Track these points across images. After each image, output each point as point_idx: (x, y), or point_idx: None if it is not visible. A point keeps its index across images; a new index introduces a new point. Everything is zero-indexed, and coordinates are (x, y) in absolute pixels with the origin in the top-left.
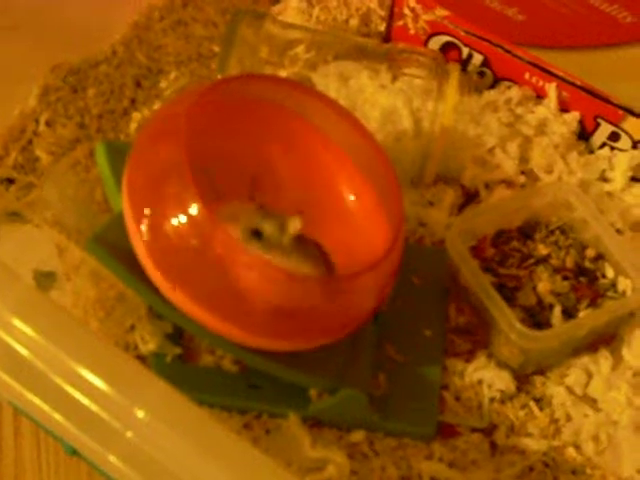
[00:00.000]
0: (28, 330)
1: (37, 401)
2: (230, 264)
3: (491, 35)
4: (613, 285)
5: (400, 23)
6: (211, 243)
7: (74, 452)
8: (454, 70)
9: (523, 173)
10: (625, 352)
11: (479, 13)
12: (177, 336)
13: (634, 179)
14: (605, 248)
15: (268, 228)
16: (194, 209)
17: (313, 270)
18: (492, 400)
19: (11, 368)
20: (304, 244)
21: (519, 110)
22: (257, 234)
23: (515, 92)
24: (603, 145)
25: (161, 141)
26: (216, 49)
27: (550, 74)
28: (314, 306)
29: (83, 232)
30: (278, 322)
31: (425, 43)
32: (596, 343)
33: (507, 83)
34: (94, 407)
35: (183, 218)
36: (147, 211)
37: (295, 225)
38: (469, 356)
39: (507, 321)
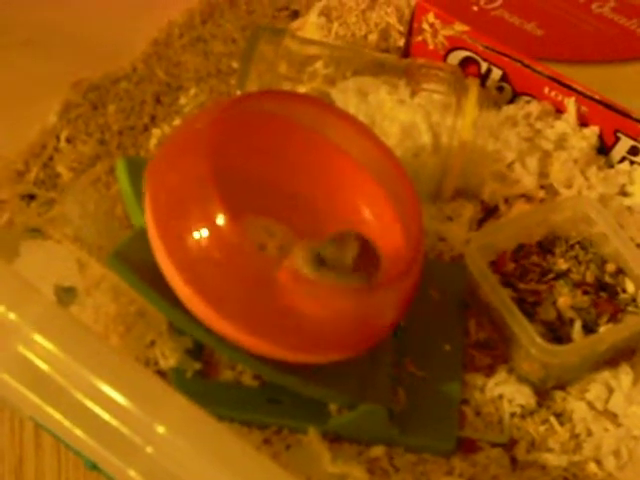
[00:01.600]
0: (49, 345)
1: (58, 416)
2: (255, 277)
3: (510, 50)
4: (633, 300)
5: (419, 38)
6: (237, 256)
7: (94, 467)
8: (473, 85)
9: (542, 188)
10: None
11: (498, 28)
12: (197, 351)
13: None
14: (625, 263)
15: (330, 253)
16: (220, 221)
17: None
18: (513, 415)
19: (32, 383)
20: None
21: (538, 125)
22: (321, 261)
23: (534, 107)
24: (623, 159)
25: (182, 156)
26: (235, 65)
27: (569, 88)
28: (335, 319)
29: (104, 248)
30: (300, 334)
31: (444, 58)
32: (617, 358)
33: (526, 98)
34: (114, 422)
35: (209, 231)
36: (172, 226)
37: (354, 247)
38: (489, 371)
39: (527, 336)
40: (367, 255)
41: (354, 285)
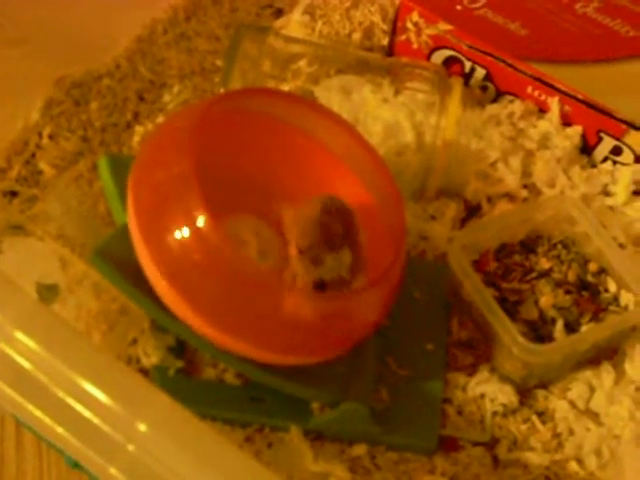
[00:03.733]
0: (30, 343)
1: (39, 414)
2: (236, 277)
3: (494, 49)
4: (615, 299)
5: (403, 37)
6: (218, 256)
7: (76, 465)
8: (457, 84)
9: (525, 187)
10: (627, 366)
11: (482, 27)
12: (179, 349)
13: (636, 193)
14: (607, 262)
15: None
16: (201, 221)
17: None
18: (494, 414)
19: (13, 381)
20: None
21: (521, 124)
22: (322, 285)
23: (517, 106)
24: (605, 159)
25: (165, 154)
26: (219, 63)
27: (552, 88)
28: (316, 320)
29: (86, 245)
30: (281, 336)
31: (428, 57)
32: (598, 357)
33: (509, 97)
34: (96, 420)
35: (190, 230)
36: (154, 224)
37: (346, 259)
38: (471, 370)
39: (509, 335)
40: (351, 230)
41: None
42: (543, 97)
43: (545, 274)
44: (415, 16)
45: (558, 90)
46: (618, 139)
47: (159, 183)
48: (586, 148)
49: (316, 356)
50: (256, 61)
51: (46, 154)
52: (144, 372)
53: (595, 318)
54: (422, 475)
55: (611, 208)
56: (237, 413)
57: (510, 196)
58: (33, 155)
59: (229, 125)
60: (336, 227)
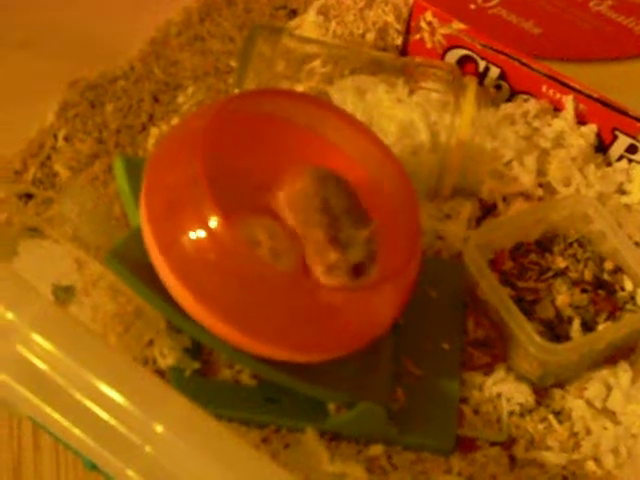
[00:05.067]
0: (47, 345)
1: (56, 416)
2: (250, 277)
3: (508, 48)
4: (632, 298)
5: (417, 37)
6: (232, 255)
7: (93, 466)
8: (471, 83)
9: (541, 186)
10: None
11: (496, 26)
12: (196, 350)
13: None
14: (623, 261)
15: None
16: (214, 221)
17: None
18: (511, 413)
19: (30, 383)
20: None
21: (536, 123)
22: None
23: (532, 105)
24: (621, 157)
25: (178, 155)
26: (233, 64)
27: (567, 87)
28: (332, 317)
29: (102, 247)
30: (296, 333)
31: (442, 57)
32: (615, 356)
33: (524, 96)
34: (113, 422)
35: (202, 231)
36: (166, 225)
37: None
38: (488, 369)
39: (526, 334)
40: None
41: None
42: (558, 96)
43: (561, 273)
44: (429, 15)
45: (572, 88)
46: (633, 137)
47: (172, 184)
48: (601, 146)
49: (333, 352)
50: (270, 62)
51: (61, 156)
52: (160, 373)
53: (611, 317)
54: (439, 475)
55: (627, 206)
56: (253, 414)
57: (525, 195)
58: (48, 157)
59: (243, 126)
60: (336, 199)
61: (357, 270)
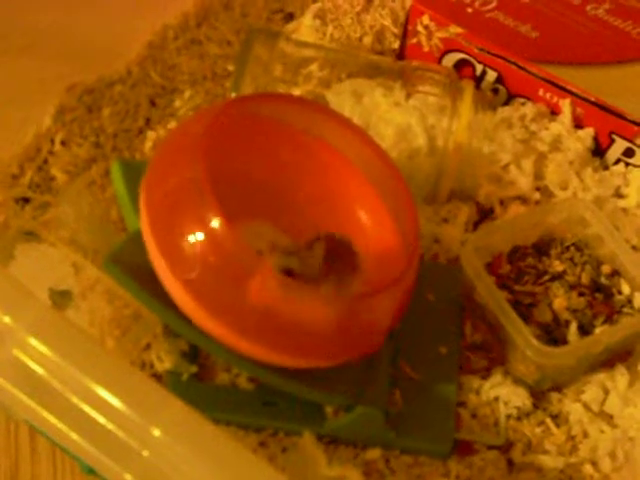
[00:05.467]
0: (44, 349)
1: (53, 420)
2: (250, 280)
3: (505, 52)
4: (629, 301)
5: (414, 40)
6: (231, 259)
7: (91, 471)
8: (468, 87)
9: (538, 190)
10: None
11: (493, 30)
12: (193, 354)
13: None
14: (621, 264)
15: (295, 263)
16: (215, 225)
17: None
18: (508, 417)
19: (27, 387)
20: (335, 258)
21: (533, 127)
22: (289, 272)
23: (529, 109)
24: (618, 161)
25: (178, 159)
26: (230, 68)
27: (564, 90)
28: (331, 324)
29: (99, 251)
30: (295, 339)
31: (439, 60)
32: (612, 359)
33: (521, 100)
34: (110, 426)
35: (204, 234)
36: (167, 229)
37: (319, 252)
38: (485, 373)
39: (523, 338)
40: (340, 258)
41: (323, 293)
42: (555, 99)
43: (558, 276)
44: (426, 19)
45: (570, 92)
46: (630, 141)
47: (172, 188)
48: (598, 150)
49: (331, 359)
50: (267, 66)
51: (58, 160)
52: (157, 377)
53: (609, 320)
54: (436, 479)
55: (624, 210)
56: (251, 418)
57: (522, 199)
58: (45, 161)
59: (241, 130)
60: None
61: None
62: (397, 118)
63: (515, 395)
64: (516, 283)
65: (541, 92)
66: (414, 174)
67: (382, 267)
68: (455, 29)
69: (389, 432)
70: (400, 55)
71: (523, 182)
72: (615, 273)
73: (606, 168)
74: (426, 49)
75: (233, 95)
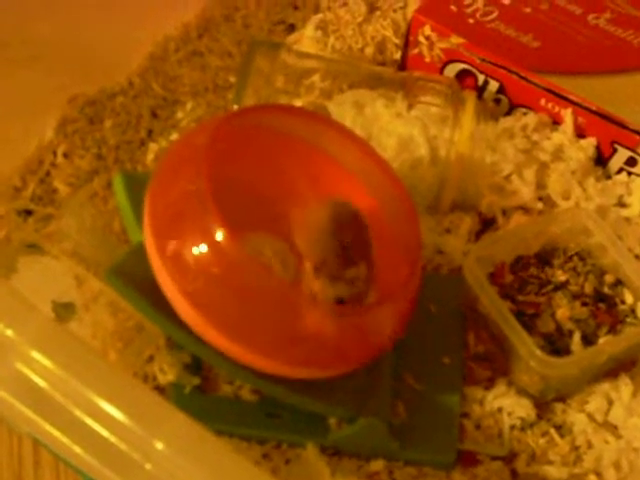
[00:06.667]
0: (47, 362)
1: (56, 433)
2: (254, 293)
3: (506, 62)
4: (632, 311)
5: (415, 51)
6: (236, 271)
7: None
8: (470, 97)
9: (540, 199)
10: None
11: (494, 40)
12: (196, 367)
13: None
14: (624, 274)
15: (345, 291)
16: (218, 236)
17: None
18: (512, 428)
19: (30, 400)
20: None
21: (535, 136)
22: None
23: (531, 118)
24: (620, 170)
25: (181, 171)
26: (232, 79)
27: (566, 100)
28: (335, 335)
29: (101, 263)
30: (300, 350)
31: (441, 71)
32: (616, 369)
33: (523, 110)
34: (113, 439)
35: (207, 245)
36: (170, 240)
37: (363, 270)
38: (489, 384)
39: (526, 348)
40: (350, 228)
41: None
42: (556, 109)
43: (561, 286)
44: (427, 30)
45: (571, 102)
46: (633, 150)
47: (175, 200)
48: (600, 159)
49: (334, 370)
50: (269, 77)
51: (61, 172)
52: (160, 390)
53: (612, 330)
54: None
55: (626, 219)
56: (254, 430)
57: (525, 209)
58: (48, 174)
59: (243, 142)
60: (347, 237)
61: (341, 303)
62: (399, 129)
63: (519, 406)
64: (519, 293)
65: (543, 102)
66: (416, 184)
67: (384, 278)
68: (456, 39)
69: (392, 443)
70: (402, 66)
71: (525, 192)
72: (618, 283)
73: (608, 177)
74: (428, 60)
75: (235, 107)
